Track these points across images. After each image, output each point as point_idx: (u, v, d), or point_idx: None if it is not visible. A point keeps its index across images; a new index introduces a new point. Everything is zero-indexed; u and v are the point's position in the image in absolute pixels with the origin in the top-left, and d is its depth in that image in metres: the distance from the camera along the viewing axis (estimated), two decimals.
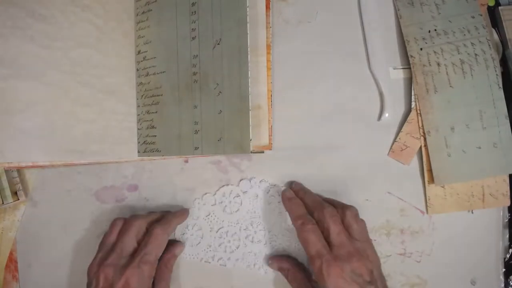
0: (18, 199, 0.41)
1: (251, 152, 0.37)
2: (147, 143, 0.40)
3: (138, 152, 0.40)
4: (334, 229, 0.33)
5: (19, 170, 0.41)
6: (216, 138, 0.38)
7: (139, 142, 0.40)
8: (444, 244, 0.41)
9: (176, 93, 0.38)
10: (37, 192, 0.42)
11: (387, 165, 0.41)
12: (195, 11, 0.38)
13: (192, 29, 0.38)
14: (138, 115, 0.41)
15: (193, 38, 0.38)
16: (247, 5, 0.36)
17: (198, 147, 0.38)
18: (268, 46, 0.39)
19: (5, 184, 0.40)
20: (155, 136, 0.39)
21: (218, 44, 0.36)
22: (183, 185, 0.42)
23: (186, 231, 0.42)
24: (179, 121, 0.38)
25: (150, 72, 0.40)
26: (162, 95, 0.39)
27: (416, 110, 0.41)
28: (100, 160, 0.39)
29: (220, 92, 0.37)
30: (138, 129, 0.40)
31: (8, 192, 0.40)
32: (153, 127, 0.40)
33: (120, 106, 0.40)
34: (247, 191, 0.42)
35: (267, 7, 0.39)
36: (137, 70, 0.41)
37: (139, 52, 0.41)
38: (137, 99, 0.40)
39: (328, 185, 0.41)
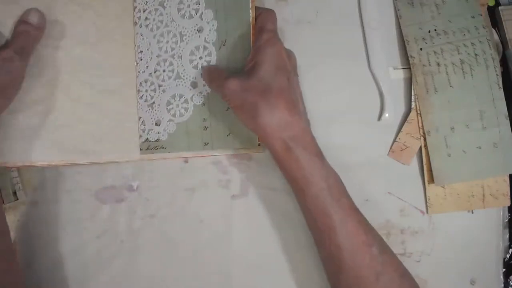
0: (18, 199, 0.41)
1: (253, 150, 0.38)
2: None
3: (141, 149, 0.40)
4: None
5: (19, 170, 0.41)
6: (225, 134, 0.39)
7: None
8: (444, 244, 0.41)
9: None
10: (37, 192, 0.42)
11: (387, 165, 0.41)
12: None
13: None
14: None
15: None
16: (249, 6, 0.37)
17: (208, 143, 0.39)
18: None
19: (12, 182, 0.40)
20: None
21: (224, 45, 0.38)
22: (183, 186, 0.42)
23: None
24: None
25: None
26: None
27: (416, 110, 0.41)
28: (100, 160, 0.39)
29: None
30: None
31: (11, 191, 0.40)
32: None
33: (120, 106, 0.40)
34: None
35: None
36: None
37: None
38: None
39: None
